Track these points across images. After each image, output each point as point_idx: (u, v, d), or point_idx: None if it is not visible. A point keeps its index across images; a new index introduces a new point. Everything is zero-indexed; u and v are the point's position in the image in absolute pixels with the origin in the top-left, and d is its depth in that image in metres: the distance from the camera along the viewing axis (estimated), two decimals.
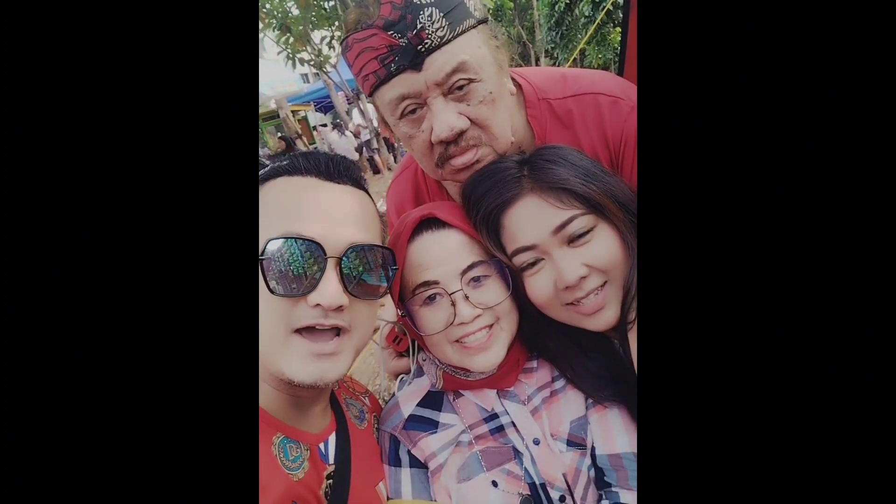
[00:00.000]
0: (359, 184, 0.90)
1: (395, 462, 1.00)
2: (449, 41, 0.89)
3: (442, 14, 0.87)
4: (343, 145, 12.46)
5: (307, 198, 0.81)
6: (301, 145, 11.85)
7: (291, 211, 0.79)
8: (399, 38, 0.88)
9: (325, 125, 15.10)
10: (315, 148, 13.27)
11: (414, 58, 0.89)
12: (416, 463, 0.99)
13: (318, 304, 0.76)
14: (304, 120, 18.34)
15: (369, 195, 0.93)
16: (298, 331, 0.77)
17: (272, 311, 0.76)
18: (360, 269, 0.81)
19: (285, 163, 0.85)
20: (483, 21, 0.95)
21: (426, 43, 0.87)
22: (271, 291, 0.74)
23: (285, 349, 0.77)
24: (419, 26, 0.86)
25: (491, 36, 0.97)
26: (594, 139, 1.04)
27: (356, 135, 13.32)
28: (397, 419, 1.02)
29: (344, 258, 0.79)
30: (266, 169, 0.86)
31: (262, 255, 0.74)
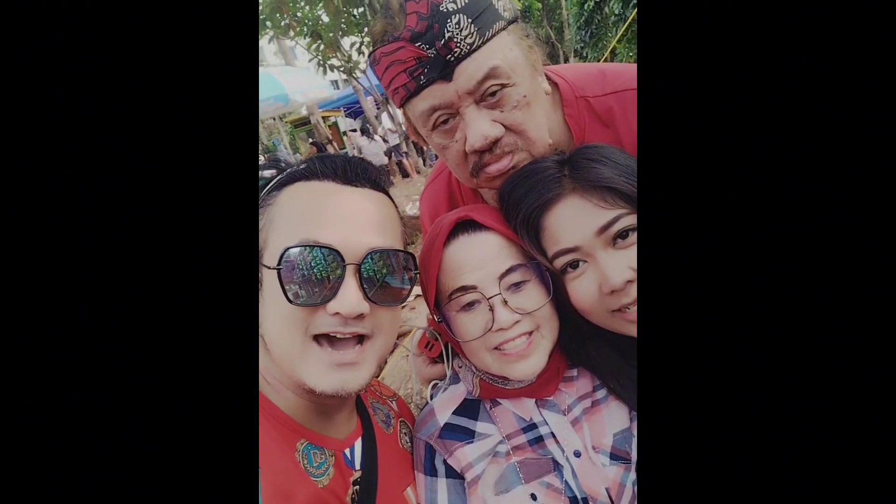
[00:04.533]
0: (378, 186, 0.88)
1: (432, 472, 0.98)
2: (479, 47, 0.85)
3: (470, 20, 0.83)
4: (372, 150, 12.58)
5: (324, 203, 0.80)
6: (332, 150, 12.04)
7: (309, 217, 0.77)
8: (427, 49, 0.85)
9: (354, 130, 15.27)
10: (345, 153, 13.46)
11: (444, 68, 0.86)
12: (452, 473, 0.96)
13: (337, 313, 0.74)
14: (335, 126, 18.62)
15: (390, 197, 0.91)
16: (317, 337, 0.76)
17: (290, 319, 0.75)
18: (381, 274, 0.79)
19: (302, 167, 0.84)
20: (514, 20, 0.91)
21: (455, 52, 0.84)
22: (290, 301, 0.73)
23: (304, 357, 0.76)
24: (447, 36, 0.83)
25: (523, 35, 0.93)
26: (637, 136, 0.99)
27: (385, 139, 13.43)
28: (433, 427, 1.00)
29: (363, 264, 0.77)
30: (282, 174, 0.85)
31: (279, 263, 0.73)
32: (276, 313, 0.76)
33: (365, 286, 0.76)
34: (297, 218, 0.78)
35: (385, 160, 13.06)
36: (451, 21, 0.83)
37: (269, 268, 0.75)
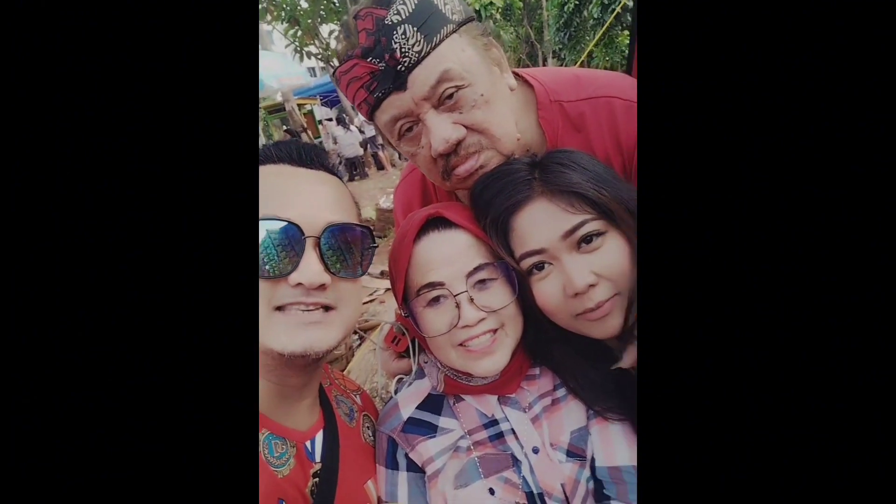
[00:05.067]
0: (331, 171, 0.91)
1: (393, 465, 0.99)
2: (428, 54, 0.87)
3: (415, 28, 0.85)
4: (348, 140, 12.45)
5: (282, 183, 0.83)
6: (306, 139, 11.86)
7: (267, 196, 0.79)
8: (378, 62, 0.87)
9: (330, 119, 15.07)
10: (320, 142, 13.31)
11: (396, 79, 0.88)
12: (413, 467, 0.98)
13: (299, 284, 0.76)
14: (310, 114, 18.33)
15: (343, 184, 0.94)
16: (280, 308, 0.78)
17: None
18: (340, 246, 0.82)
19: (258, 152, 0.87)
20: (465, 22, 0.92)
21: (404, 61, 0.86)
22: None
23: (269, 325, 0.77)
24: (394, 47, 0.85)
25: (477, 35, 0.94)
26: (607, 144, 1.02)
27: (361, 130, 13.29)
28: (396, 421, 1.01)
29: (323, 237, 0.79)
30: None
31: None
32: None
33: (325, 258, 0.79)
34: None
35: (360, 151, 12.93)
36: (396, 32, 0.85)
37: None
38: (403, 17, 0.85)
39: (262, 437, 0.80)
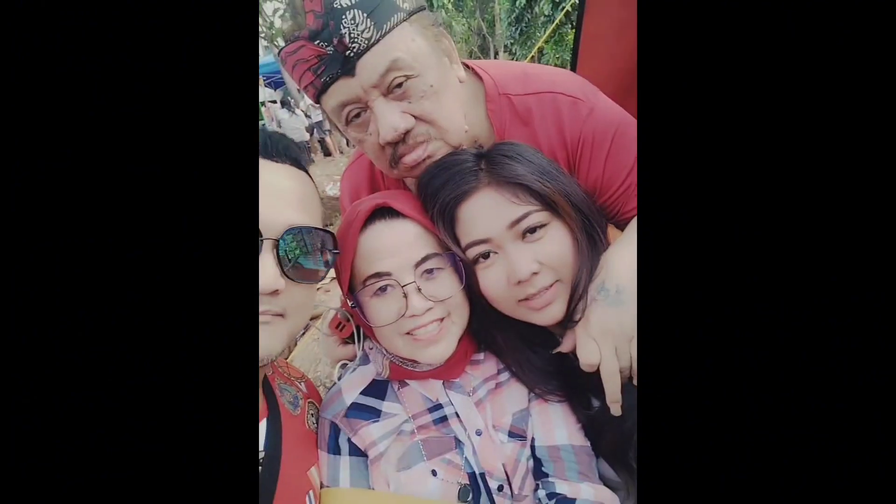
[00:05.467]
0: (299, 164, 0.87)
1: (335, 450, 0.99)
2: (377, 41, 0.86)
3: (365, 14, 0.84)
4: (293, 124, 12.03)
5: None
6: None
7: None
8: (326, 46, 0.85)
9: (274, 101, 14.51)
10: (263, 125, 12.74)
11: (344, 64, 0.87)
12: (355, 451, 0.98)
13: None
14: None
15: (310, 176, 0.90)
16: None
17: None
18: (298, 251, 0.78)
19: None
20: (416, 12, 0.92)
21: (353, 47, 0.85)
22: None
23: None
24: (342, 32, 0.84)
25: (428, 24, 0.95)
26: (552, 138, 1.05)
27: (307, 114, 12.90)
28: (339, 407, 1.01)
29: (281, 240, 0.76)
30: None
31: None
32: None
33: (281, 262, 0.75)
34: None
35: (306, 136, 12.54)
36: (346, 17, 0.83)
37: None
38: (353, 2, 0.83)
39: None
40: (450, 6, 12.96)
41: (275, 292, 0.74)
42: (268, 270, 0.73)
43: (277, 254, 0.75)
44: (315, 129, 12.89)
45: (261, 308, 0.74)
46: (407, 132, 0.93)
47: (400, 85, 0.89)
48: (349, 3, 0.83)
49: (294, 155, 0.86)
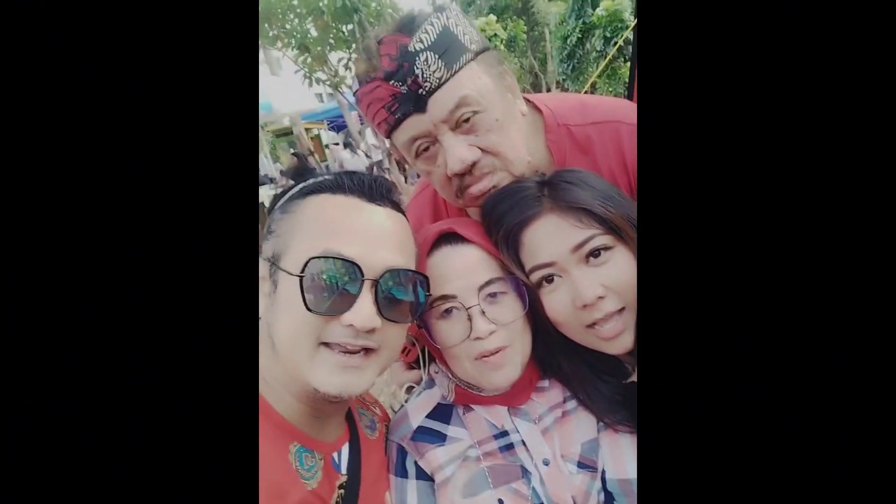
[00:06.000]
0: (398, 207, 0.92)
1: (402, 473, 1.00)
2: (448, 80, 0.93)
3: (437, 56, 0.91)
4: (354, 164, 12.60)
5: (349, 218, 0.82)
6: (313, 162, 12.03)
7: (333, 230, 0.80)
8: (400, 86, 0.93)
9: (337, 144, 15.30)
10: (326, 166, 13.44)
11: (417, 102, 0.94)
12: (422, 475, 0.99)
13: (350, 325, 0.77)
14: (317, 138, 18.61)
15: (406, 218, 0.94)
16: (326, 343, 0.78)
17: (304, 325, 0.77)
18: (395, 291, 0.82)
19: (329, 178, 0.87)
20: (482, 52, 0.98)
21: (425, 86, 0.92)
22: (308, 309, 0.75)
23: (313, 360, 0.78)
24: (417, 73, 0.91)
25: (493, 63, 1.01)
26: (613, 165, 1.07)
27: (367, 154, 13.48)
28: (406, 430, 1.02)
29: (380, 281, 0.80)
30: (309, 182, 0.88)
31: (302, 271, 0.75)
32: (289, 318, 0.78)
33: (379, 301, 0.79)
34: (322, 229, 0.80)
35: None
36: (419, 59, 0.91)
37: (290, 274, 0.77)
38: (426, 45, 0.91)
39: (293, 450, 0.82)
40: (502, 47, 13.33)
41: (371, 330, 0.78)
42: (365, 309, 0.77)
43: (376, 293, 0.79)
44: (375, 168, 13.42)
45: (356, 343, 0.78)
46: (474, 164, 0.98)
47: (467, 120, 0.95)
48: (423, 46, 0.91)
49: (394, 198, 0.91)
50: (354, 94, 1.03)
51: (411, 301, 0.86)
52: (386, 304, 0.80)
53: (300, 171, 9.81)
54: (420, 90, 0.92)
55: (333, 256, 0.77)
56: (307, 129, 16.21)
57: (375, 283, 0.79)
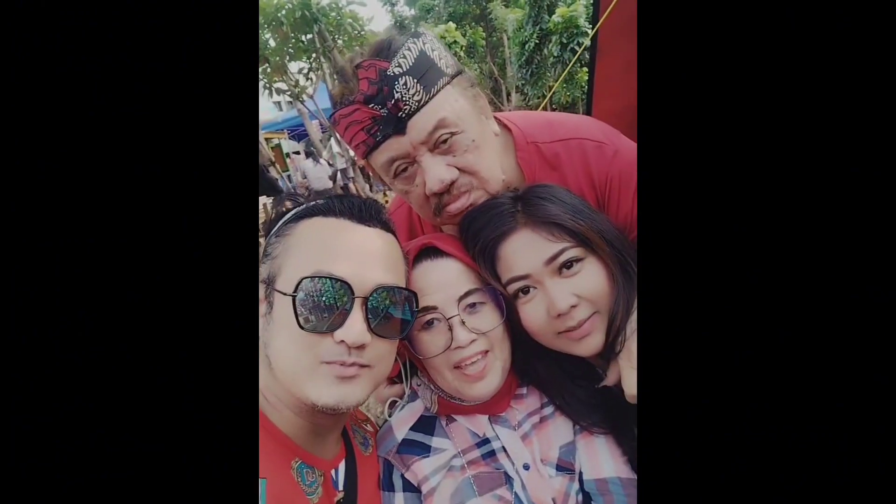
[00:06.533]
0: (387, 227, 0.95)
1: (389, 486, 1.02)
2: (426, 103, 0.96)
3: (416, 80, 0.94)
4: (317, 173, 12.42)
5: (340, 239, 0.86)
6: (274, 173, 11.81)
7: (324, 250, 0.83)
8: (380, 109, 0.95)
9: (298, 153, 15.08)
10: (288, 175, 13.19)
11: (396, 124, 0.96)
12: (409, 487, 1.01)
13: (342, 341, 0.79)
14: (278, 147, 18.28)
15: (396, 238, 0.98)
16: (323, 363, 0.80)
17: (299, 344, 0.79)
18: (385, 308, 0.85)
19: (320, 204, 0.91)
20: (457, 75, 1.02)
21: (405, 109, 0.95)
22: (301, 326, 0.78)
23: (312, 377, 0.80)
24: (396, 96, 0.94)
25: (467, 86, 1.05)
26: (581, 180, 1.12)
27: (330, 163, 13.33)
28: (391, 444, 1.04)
29: (370, 298, 0.82)
30: (302, 207, 0.91)
31: (295, 290, 0.78)
32: (286, 336, 0.80)
33: (370, 318, 0.82)
34: (314, 250, 0.83)
35: (330, 184, 12.90)
36: (398, 82, 0.94)
37: (284, 294, 0.80)
38: (404, 69, 0.94)
39: (294, 465, 0.83)
40: (462, 53, 13.49)
41: (362, 346, 0.81)
42: (356, 325, 0.80)
43: (366, 310, 0.82)
44: (339, 175, 13.29)
45: (348, 360, 0.81)
46: (452, 183, 1.01)
47: (445, 141, 0.98)
48: (401, 71, 0.94)
49: (383, 219, 0.95)
50: (330, 116, 1.04)
51: (401, 318, 0.89)
52: (376, 321, 0.83)
53: (262, 181, 9.63)
54: (400, 113, 0.95)
55: (324, 276, 0.79)
56: (267, 140, 15.90)
57: (365, 301, 0.82)
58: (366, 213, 0.91)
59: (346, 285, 0.80)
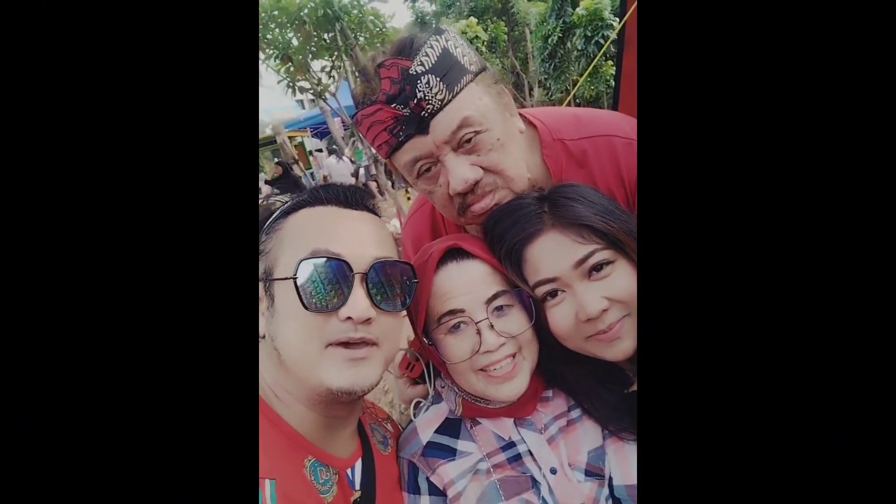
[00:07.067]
0: (373, 211, 0.96)
1: (414, 489, 1.01)
2: (449, 101, 0.95)
3: (438, 79, 0.93)
4: (340, 170, 12.57)
5: (331, 222, 0.87)
6: (297, 170, 11.97)
7: (318, 235, 0.84)
8: (402, 108, 0.94)
9: (320, 150, 15.26)
10: (311, 173, 13.37)
11: (419, 124, 0.95)
12: (434, 490, 1.00)
13: (348, 318, 0.80)
14: (301, 146, 18.50)
15: (382, 222, 0.98)
16: (331, 345, 0.81)
17: (306, 328, 0.80)
18: (385, 281, 0.87)
19: (305, 196, 0.92)
20: (480, 72, 1.00)
21: (428, 108, 0.94)
22: (306, 308, 0.78)
23: (321, 361, 0.81)
24: (419, 95, 0.92)
25: (491, 83, 1.03)
26: (609, 179, 1.09)
27: (352, 160, 13.45)
28: (416, 446, 1.04)
29: (369, 273, 0.84)
30: (288, 203, 0.92)
31: (294, 275, 0.79)
32: (292, 324, 0.82)
33: (371, 293, 0.83)
34: (307, 235, 0.85)
35: (352, 181, 13.03)
36: (421, 81, 0.92)
37: (284, 279, 0.81)
38: (427, 67, 0.92)
39: (308, 464, 0.84)
40: (483, 48, 13.40)
41: (368, 321, 0.82)
42: (360, 301, 0.81)
43: (367, 285, 0.83)
44: (361, 172, 13.40)
45: (356, 336, 0.81)
46: (476, 183, 0.99)
47: (469, 140, 0.97)
48: (423, 69, 0.92)
49: (368, 203, 0.96)
50: (353, 116, 1.04)
51: (401, 289, 0.90)
52: (377, 294, 0.84)
53: (285, 179, 9.77)
54: (423, 112, 0.94)
55: (322, 255, 0.81)
56: (290, 138, 16.10)
57: (365, 276, 0.83)
58: (352, 198, 0.92)
59: (344, 262, 0.81)
